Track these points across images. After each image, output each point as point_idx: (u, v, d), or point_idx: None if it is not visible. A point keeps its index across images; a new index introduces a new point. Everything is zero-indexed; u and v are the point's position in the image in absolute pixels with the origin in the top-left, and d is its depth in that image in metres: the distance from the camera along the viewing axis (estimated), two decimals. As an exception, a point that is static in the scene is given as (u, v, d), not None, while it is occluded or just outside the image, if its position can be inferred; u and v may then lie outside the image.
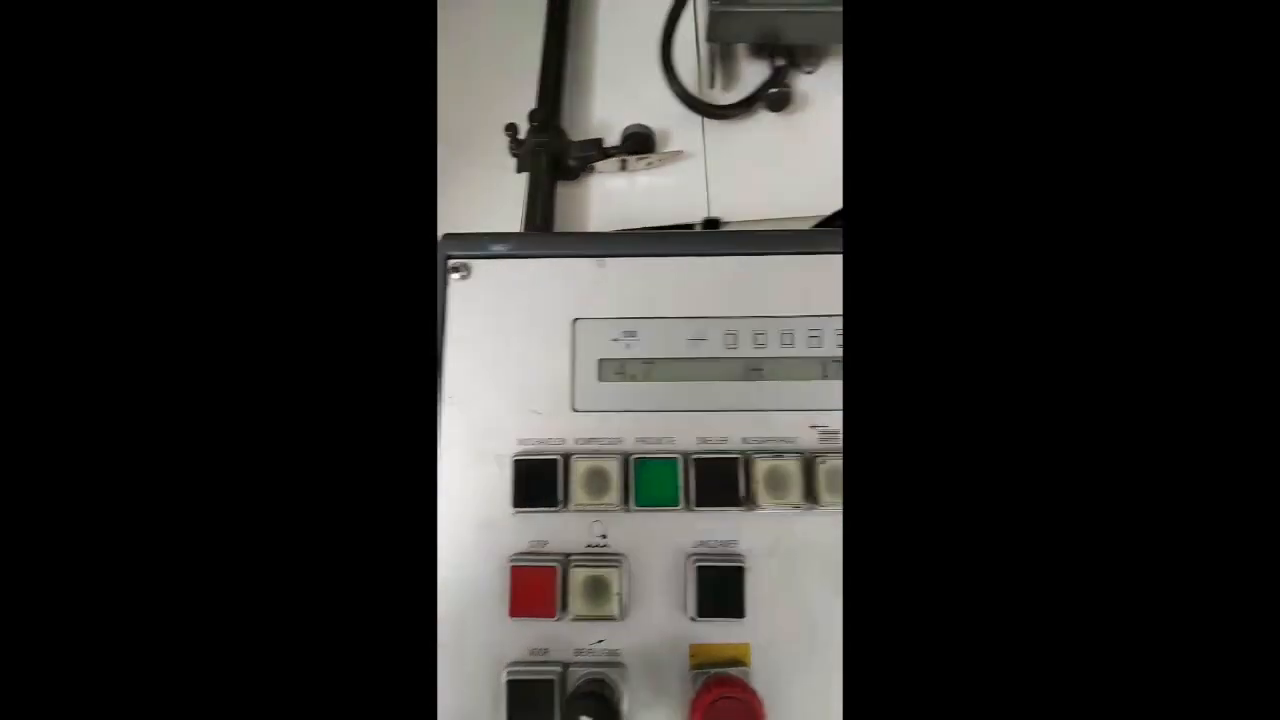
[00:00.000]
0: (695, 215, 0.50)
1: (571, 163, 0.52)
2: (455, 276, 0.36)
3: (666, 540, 0.33)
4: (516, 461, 0.33)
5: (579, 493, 0.33)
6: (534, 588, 0.32)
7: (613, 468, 0.33)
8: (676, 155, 0.52)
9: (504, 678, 0.31)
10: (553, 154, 0.51)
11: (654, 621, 0.32)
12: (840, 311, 0.35)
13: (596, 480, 0.33)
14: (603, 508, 0.33)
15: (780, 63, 0.53)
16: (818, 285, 0.35)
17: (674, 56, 0.55)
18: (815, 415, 0.34)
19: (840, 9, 0.48)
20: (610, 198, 0.53)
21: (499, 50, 0.58)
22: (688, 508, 0.33)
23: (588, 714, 0.29)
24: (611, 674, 0.31)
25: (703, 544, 0.33)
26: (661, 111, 0.54)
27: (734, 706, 0.28)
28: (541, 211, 0.49)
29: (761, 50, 0.55)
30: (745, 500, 0.33)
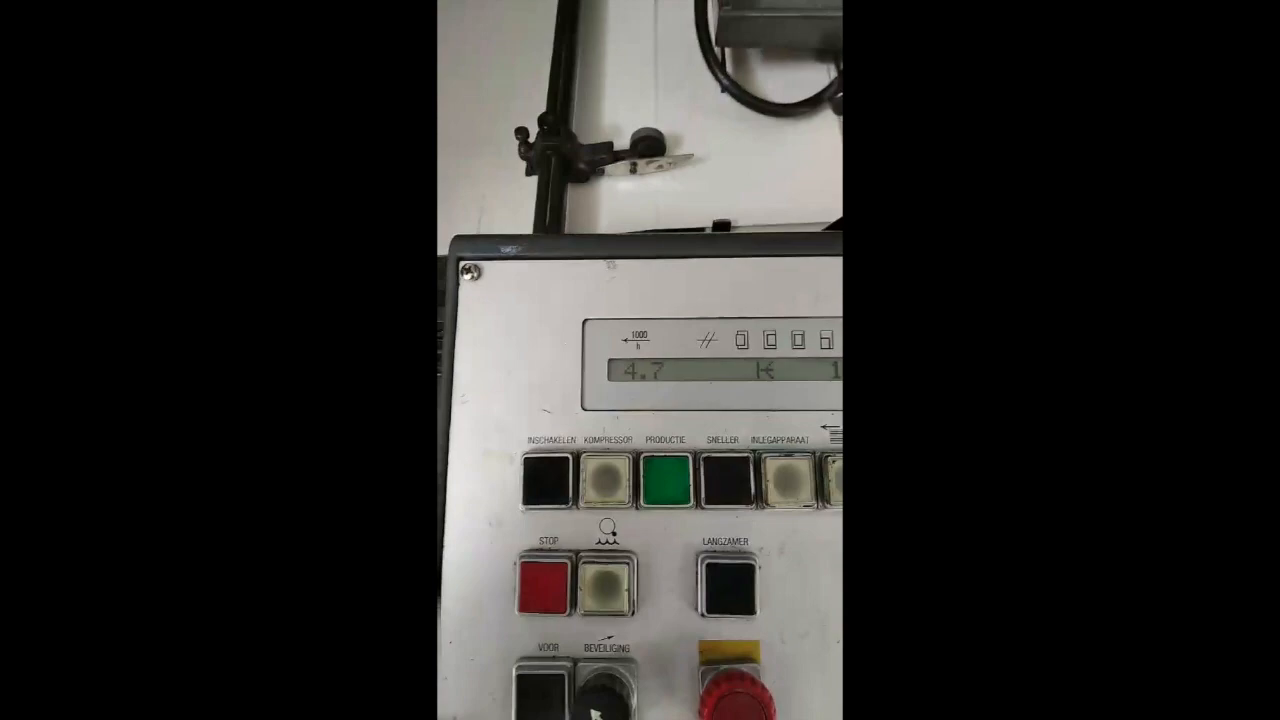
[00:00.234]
0: (705, 218, 0.51)
1: (582, 166, 0.53)
2: (466, 278, 0.37)
3: (676, 538, 0.33)
4: (527, 459, 0.34)
5: (589, 490, 0.34)
6: (544, 584, 0.32)
7: (623, 466, 0.34)
8: (687, 159, 0.53)
9: (514, 672, 0.32)
10: (563, 157, 0.52)
11: (664, 618, 0.32)
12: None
13: (606, 478, 0.34)
14: (613, 505, 0.33)
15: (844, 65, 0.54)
16: (829, 287, 0.36)
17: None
18: (826, 415, 0.34)
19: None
20: (620, 200, 0.54)
21: (511, 53, 0.59)
22: (697, 506, 0.33)
23: (598, 709, 0.29)
24: (621, 669, 0.31)
25: (712, 541, 0.33)
26: (671, 115, 0.55)
27: (744, 702, 0.29)
28: (552, 214, 0.50)
29: (824, 55, 0.56)
30: (756, 499, 0.33)
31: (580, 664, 0.32)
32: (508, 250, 0.37)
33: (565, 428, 0.35)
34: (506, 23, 0.61)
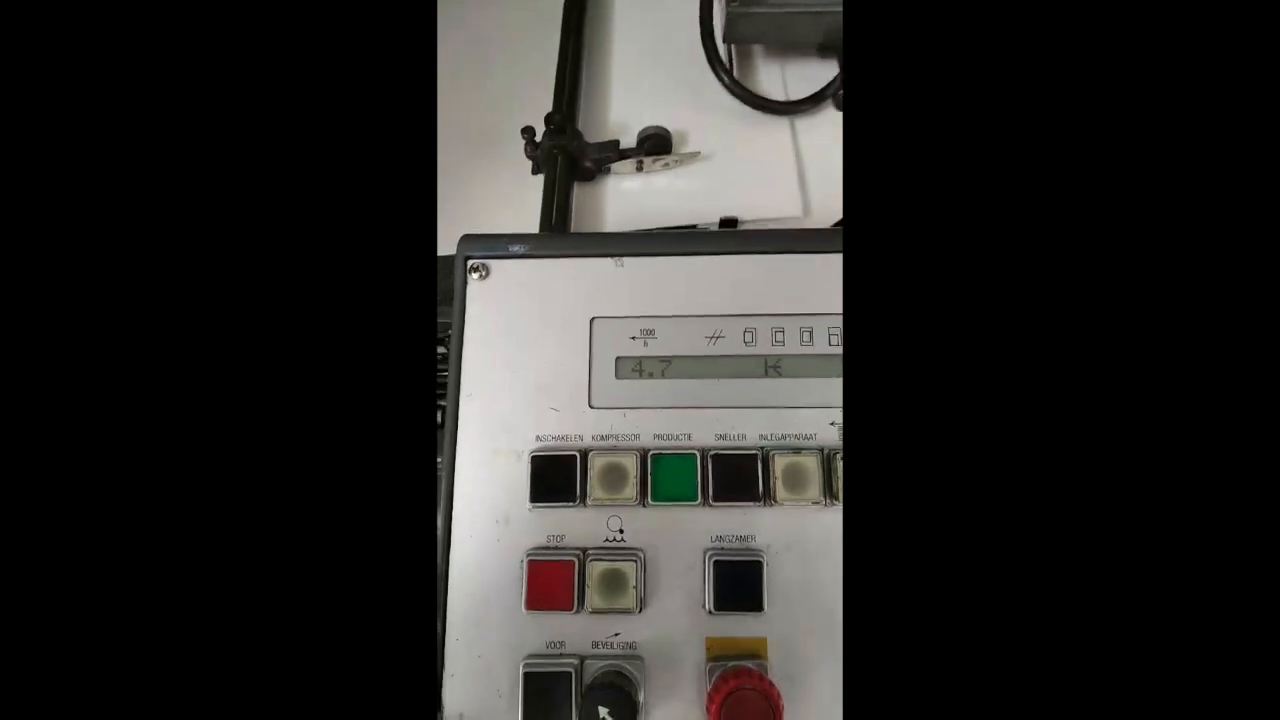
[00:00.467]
0: (712, 216, 0.51)
1: (588, 164, 0.53)
2: (474, 276, 0.38)
3: (684, 535, 0.34)
4: (534, 457, 0.35)
5: (596, 488, 0.34)
6: (551, 581, 0.33)
7: (630, 463, 0.34)
8: (693, 156, 0.53)
9: (521, 670, 0.32)
10: (569, 156, 0.52)
11: (671, 615, 0.33)
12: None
13: (614, 476, 0.34)
14: (620, 503, 0.34)
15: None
16: (837, 283, 0.36)
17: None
18: (834, 412, 0.35)
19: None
20: (626, 198, 0.54)
21: (517, 52, 0.60)
22: (705, 503, 0.34)
23: (606, 705, 0.29)
24: (629, 667, 0.32)
25: (720, 539, 0.33)
26: (677, 113, 0.55)
27: (752, 698, 0.29)
28: (558, 213, 0.50)
29: (827, 50, 0.56)
30: (764, 496, 0.33)
31: (587, 661, 0.32)
32: (515, 249, 0.38)
33: (572, 426, 0.35)
34: (513, 22, 0.62)
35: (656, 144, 0.54)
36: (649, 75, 0.58)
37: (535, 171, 0.54)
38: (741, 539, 0.33)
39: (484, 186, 0.55)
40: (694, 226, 0.50)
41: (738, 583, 0.32)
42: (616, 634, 0.33)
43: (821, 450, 0.34)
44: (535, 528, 0.34)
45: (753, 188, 0.52)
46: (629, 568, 0.33)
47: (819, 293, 0.36)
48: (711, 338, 0.36)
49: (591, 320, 0.37)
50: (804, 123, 0.55)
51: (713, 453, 0.34)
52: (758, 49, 0.59)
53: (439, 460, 0.37)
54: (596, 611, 0.33)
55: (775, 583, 0.33)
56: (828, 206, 0.48)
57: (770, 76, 0.58)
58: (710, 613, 0.32)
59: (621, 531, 0.34)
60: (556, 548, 0.34)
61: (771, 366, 0.36)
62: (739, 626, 0.32)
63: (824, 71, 0.56)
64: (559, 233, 0.49)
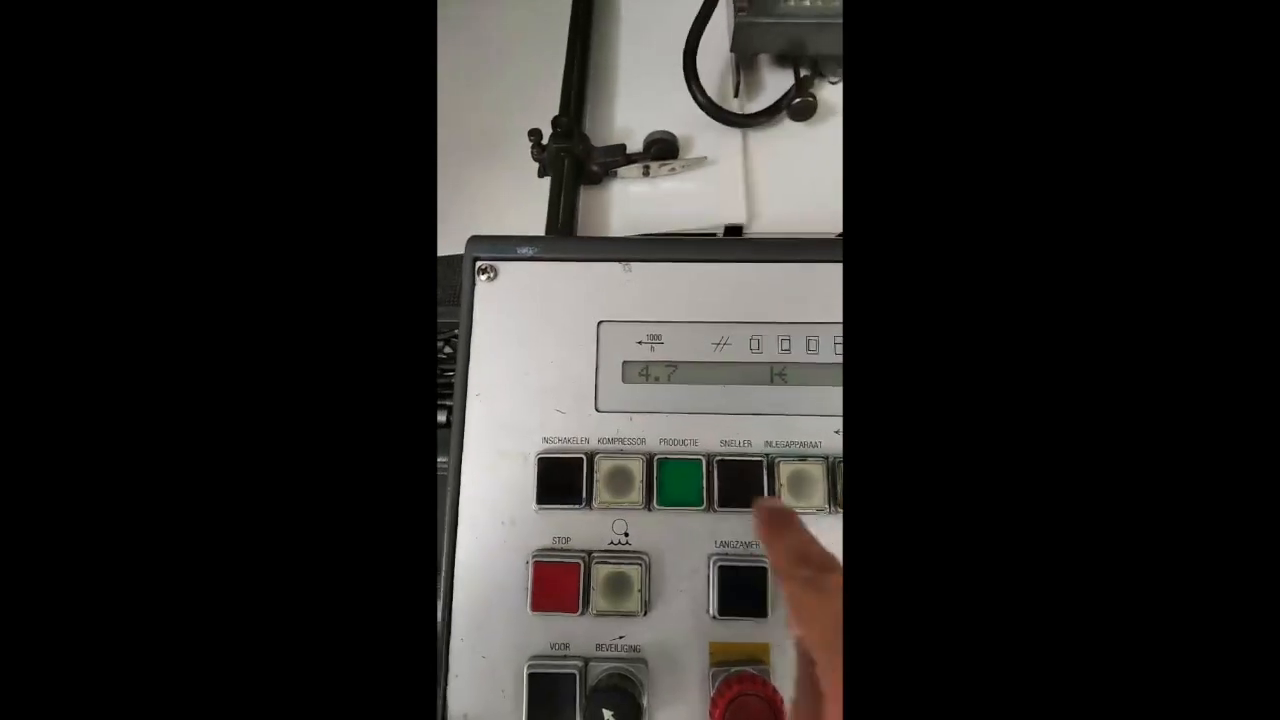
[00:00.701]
0: (717, 222, 0.51)
1: (594, 168, 0.53)
2: (483, 278, 0.38)
3: (688, 540, 0.34)
4: (541, 459, 0.35)
5: (602, 491, 0.34)
6: (557, 583, 0.33)
7: (636, 467, 0.34)
8: (700, 162, 0.54)
9: (526, 671, 0.32)
10: (576, 159, 0.52)
11: (675, 619, 0.33)
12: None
13: (620, 479, 0.34)
14: (626, 506, 0.34)
15: (805, 73, 0.55)
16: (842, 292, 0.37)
17: (698, 65, 0.56)
18: (840, 421, 0.35)
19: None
20: (632, 203, 0.54)
21: (525, 55, 0.60)
22: (710, 509, 0.34)
23: (611, 708, 0.30)
24: (632, 669, 0.32)
25: (725, 544, 0.34)
26: (685, 118, 0.56)
27: (755, 705, 0.29)
28: (564, 216, 0.50)
29: (785, 60, 0.57)
30: (768, 502, 0.34)
31: (591, 663, 0.33)
32: (524, 251, 0.38)
33: (579, 428, 0.36)
34: (520, 24, 0.62)
35: (663, 149, 0.54)
36: (656, 79, 0.59)
37: (542, 174, 0.54)
38: (746, 545, 0.34)
39: (489, 188, 0.55)
40: (712, 234, 0.50)
41: (742, 588, 0.33)
42: (621, 637, 0.33)
43: (826, 458, 0.34)
44: (541, 529, 0.35)
45: (758, 195, 0.53)
46: (634, 571, 0.33)
47: (825, 302, 0.37)
48: (718, 344, 0.37)
49: (599, 324, 0.37)
50: (811, 131, 0.56)
51: (718, 458, 0.35)
52: (764, 59, 0.59)
53: (443, 460, 0.37)
54: (601, 614, 0.33)
55: (778, 589, 0.33)
56: (834, 215, 0.49)
57: (777, 85, 0.58)
58: (714, 617, 0.33)
59: (627, 535, 0.34)
60: (562, 550, 0.34)
61: (777, 374, 0.36)
62: (742, 632, 0.33)
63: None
64: (568, 236, 0.49)
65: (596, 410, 0.36)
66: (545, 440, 0.36)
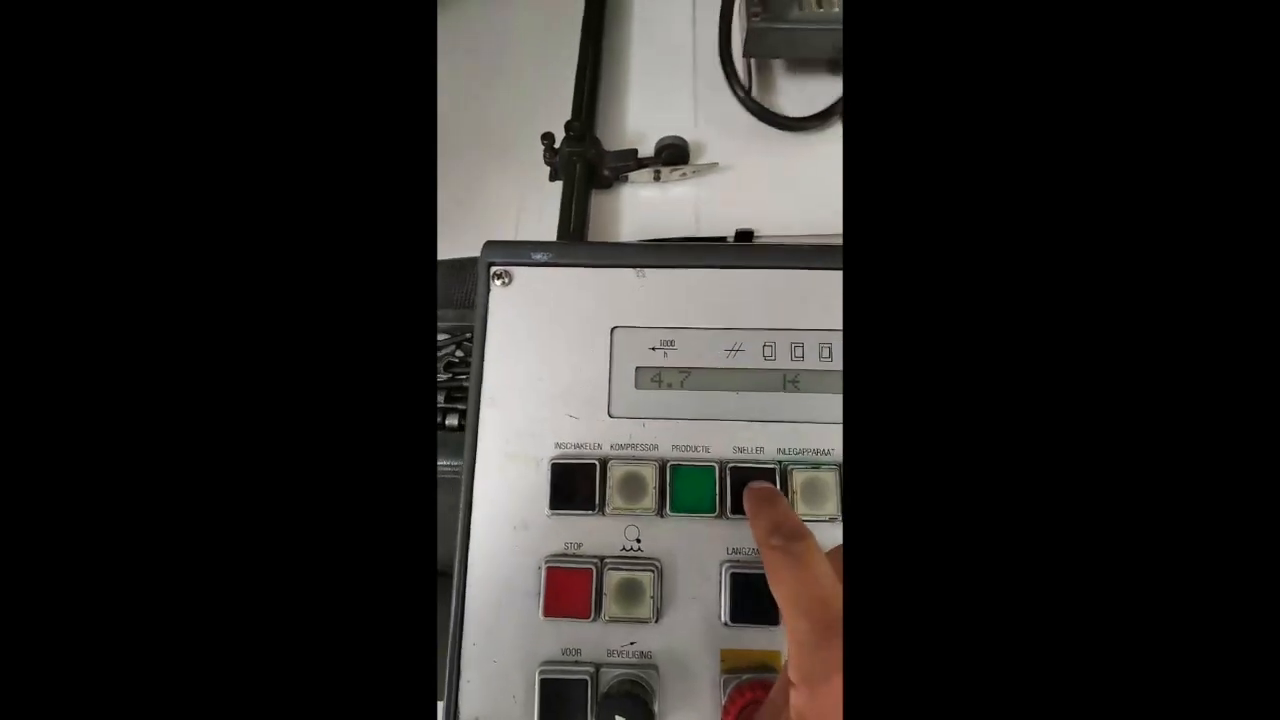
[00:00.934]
0: (728, 227, 0.51)
1: (606, 172, 0.54)
2: (497, 283, 0.38)
3: (701, 546, 0.34)
4: (554, 464, 0.35)
5: (615, 497, 0.35)
6: (569, 589, 0.33)
7: (649, 473, 0.35)
8: (711, 167, 0.54)
9: (537, 676, 0.32)
10: (588, 164, 0.53)
11: (687, 626, 0.33)
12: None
13: (632, 485, 0.35)
14: (638, 512, 0.34)
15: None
16: (855, 300, 0.37)
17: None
18: (851, 428, 0.35)
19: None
20: (643, 207, 0.55)
21: (538, 59, 0.61)
22: (722, 515, 0.34)
23: (623, 714, 0.30)
24: (644, 675, 0.32)
25: (737, 551, 0.34)
26: (695, 123, 0.56)
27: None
28: (576, 220, 0.51)
29: (836, 66, 0.57)
30: (780, 510, 0.34)
31: (603, 669, 0.33)
32: (538, 257, 0.38)
33: (592, 434, 0.36)
34: (534, 29, 0.63)
35: (674, 154, 0.54)
36: (667, 84, 0.59)
37: (553, 178, 0.54)
38: (758, 552, 0.34)
39: (502, 190, 0.55)
40: (723, 239, 0.51)
41: (754, 596, 0.33)
42: (632, 643, 0.33)
43: (840, 466, 0.35)
44: (553, 535, 0.35)
45: (769, 200, 0.53)
46: (646, 578, 0.33)
47: (838, 309, 0.37)
48: (731, 350, 0.37)
49: (612, 329, 0.37)
50: (822, 137, 0.56)
51: (731, 465, 0.35)
52: (778, 64, 0.59)
53: (456, 464, 0.37)
54: (613, 620, 0.33)
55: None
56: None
57: (789, 91, 0.58)
58: (726, 625, 0.33)
59: (639, 541, 0.34)
60: (574, 555, 0.34)
61: (790, 381, 0.36)
62: (754, 639, 0.33)
63: (839, 88, 0.57)
64: (580, 241, 0.50)
65: (609, 416, 0.36)
66: (558, 445, 0.36)
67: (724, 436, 0.36)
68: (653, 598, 0.33)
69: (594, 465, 0.35)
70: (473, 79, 0.61)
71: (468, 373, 0.40)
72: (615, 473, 0.35)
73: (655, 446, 0.36)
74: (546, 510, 0.35)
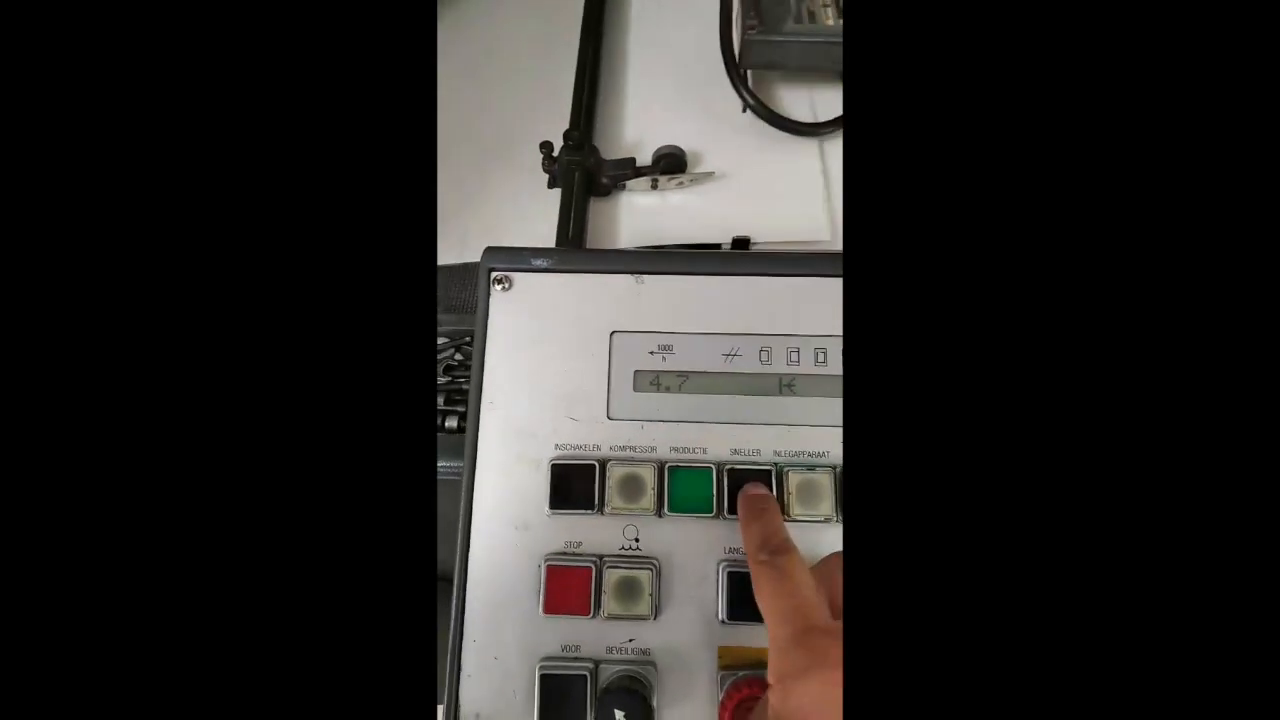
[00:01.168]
0: (725, 234, 0.52)
1: (604, 180, 0.55)
2: (498, 288, 0.39)
3: (698, 546, 0.35)
4: (554, 465, 0.36)
5: (614, 497, 0.35)
6: (569, 586, 0.34)
7: (647, 474, 0.36)
8: (708, 176, 0.55)
9: (537, 672, 0.33)
10: (586, 172, 0.54)
11: (685, 623, 0.34)
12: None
13: (631, 486, 0.36)
14: (637, 512, 0.35)
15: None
16: (849, 307, 0.38)
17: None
18: (845, 431, 0.36)
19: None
20: (640, 215, 0.55)
21: (538, 66, 0.61)
22: (720, 515, 0.35)
23: (622, 709, 0.31)
24: (643, 671, 0.33)
25: (734, 550, 0.35)
26: (693, 132, 0.57)
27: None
28: (575, 228, 0.52)
29: (832, 77, 0.58)
30: (776, 510, 0.35)
31: (602, 665, 0.34)
32: (538, 263, 0.39)
33: (591, 436, 0.37)
34: (534, 37, 0.64)
35: (671, 163, 0.55)
36: (665, 93, 0.60)
37: (552, 185, 0.55)
38: (753, 554, 0.35)
39: (501, 197, 0.56)
40: (718, 246, 0.52)
41: (750, 594, 0.34)
42: (631, 640, 0.34)
43: (834, 468, 0.36)
44: (553, 534, 0.36)
45: (766, 208, 0.54)
46: (644, 576, 0.34)
47: (833, 314, 0.38)
48: (728, 355, 0.38)
49: (611, 334, 0.38)
50: (816, 146, 0.57)
51: (728, 467, 0.36)
52: (774, 76, 0.61)
53: (457, 465, 0.38)
54: (612, 617, 0.34)
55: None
56: (840, 229, 0.50)
57: (783, 101, 0.59)
58: (723, 622, 0.34)
59: (637, 540, 0.35)
60: (574, 554, 0.35)
61: (786, 385, 0.37)
62: (751, 637, 0.34)
63: (835, 97, 0.58)
64: (579, 248, 0.51)
65: (608, 418, 0.37)
66: (558, 447, 0.37)
67: (721, 439, 0.37)
68: (651, 595, 0.34)
69: (593, 466, 0.36)
70: (474, 87, 0.61)
71: (467, 376, 0.41)
72: (614, 473, 0.36)
73: (653, 448, 0.37)
74: (546, 510, 0.36)
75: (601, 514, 0.36)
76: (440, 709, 0.34)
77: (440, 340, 0.48)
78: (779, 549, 0.30)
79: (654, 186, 0.55)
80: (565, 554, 0.35)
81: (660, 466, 0.36)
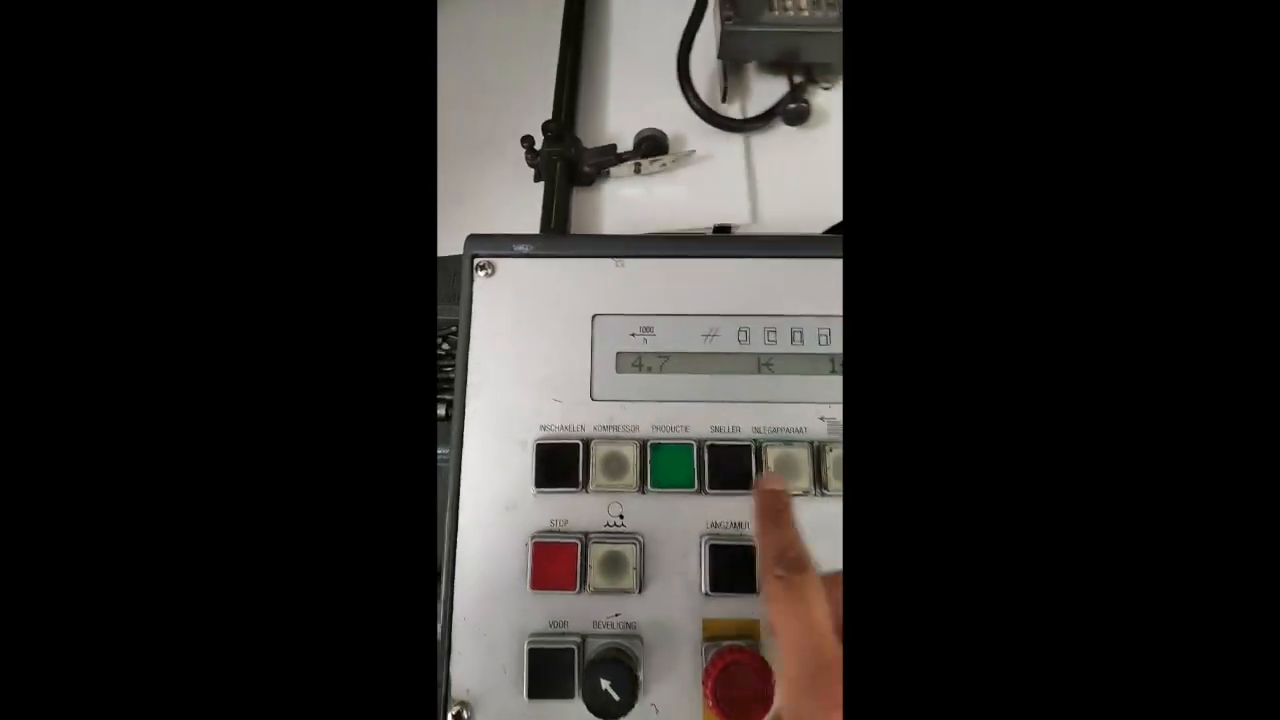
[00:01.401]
0: (706, 222, 0.53)
1: (587, 169, 0.55)
2: (481, 274, 0.40)
3: (681, 521, 0.36)
4: (539, 445, 0.37)
5: (598, 475, 0.36)
6: (555, 562, 0.35)
7: (630, 452, 0.36)
8: (689, 155, 0.56)
9: (526, 647, 0.34)
10: (568, 162, 0.54)
11: (669, 596, 0.35)
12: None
13: (615, 464, 0.36)
14: (621, 489, 0.36)
15: (798, 79, 0.57)
16: (826, 287, 0.39)
17: (690, 71, 0.59)
18: (823, 407, 0.37)
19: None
20: (623, 204, 0.56)
21: (520, 60, 0.62)
22: (701, 491, 0.36)
23: (608, 679, 0.32)
24: (629, 644, 0.34)
25: (715, 525, 0.36)
26: (676, 119, 0.58)
27: (745, 671, 0.31)
28: (558, 218, 0.52)
29: (779, 66, 0.59)
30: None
31: (589, 639, 0.34)
32: (521, 249, 0.40)
33: (576, 416, 0.38)
34: (515, 30, 0.64)
35: (653, 145, 0.56)
36: (647, 83, 0.61)
37: (538, 179, 0.56)
38: (736, 525, 0.36)
39: (486, 193, 0.57)
40: (702, 233, 0.53)
41: (732, 567, 0.35)
42: (617, 614, 0.35)
43: (811, 443, 0.37)
44: (540, 512, 0.36)
45: (746, 196, 0.55)
46: (629, 550, 0.35)
47: (809, 296, 0.39)
48: (707, 335, 0.39)
49: (593, 317, 0.39)
50: (797, 134, 0.58)
51: (709, 444, 0.37)
52: (750, 66, 0.61)
53: (444, 451, 0.39)
54: (598, 591, 0.35)
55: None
56: (818, 215, 0.51)
57: (763, 91, 0.60)
58: (706, 594, 0.35)
59: (622, 517, 0.36)
60: (560, 531, 0.36)
61: (764, 364, 0.38)
62: (734, 608, 0.35)
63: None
64: (561, 234, 0.51)
65: (592, 399, 0.38)
66: (543, 428, 0.38)
67: (702, 417, 0.37)
68: (635, 569, 0.35)
69: (578, 445, 0.37)
70: (455, 82, 0.62)
71: (452, 365, 0.41)
72: (598, 452, 0.37)
73: (636, 427, 0.37)
74: (533, 489, 0.36)
75: (586, 492, 0.36)
76: (432, 686, 0.35)
77: (426, 330, 0.48)
78: (795, 565, 0.29)
79: (637, 171, 0.56)
80: (552, 531, 0.36)
81: (643, 444, 0.37)
